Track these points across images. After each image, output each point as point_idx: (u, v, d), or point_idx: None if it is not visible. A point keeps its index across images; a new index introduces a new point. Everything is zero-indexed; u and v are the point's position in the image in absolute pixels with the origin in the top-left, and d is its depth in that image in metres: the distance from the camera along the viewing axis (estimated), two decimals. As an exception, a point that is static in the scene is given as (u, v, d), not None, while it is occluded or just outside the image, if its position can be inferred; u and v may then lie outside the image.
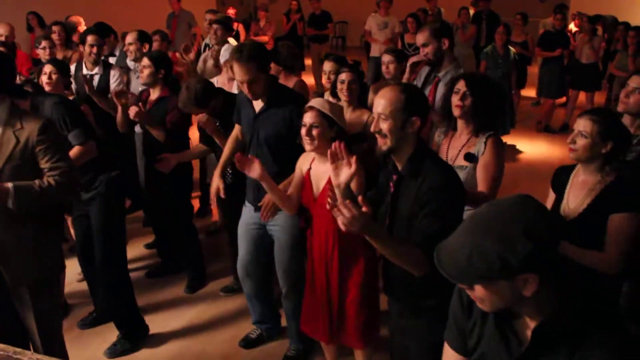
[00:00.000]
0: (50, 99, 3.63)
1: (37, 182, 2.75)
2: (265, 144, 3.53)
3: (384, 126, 2.43)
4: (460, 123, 3.22)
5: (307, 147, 3.10)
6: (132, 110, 4.18)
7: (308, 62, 11.97)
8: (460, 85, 3.14)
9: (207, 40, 7.23)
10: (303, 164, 3.32)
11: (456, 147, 3.21)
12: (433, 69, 4.08)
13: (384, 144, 2.46)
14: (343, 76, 3.94)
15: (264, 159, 3.43)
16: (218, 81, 5.20)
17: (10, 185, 2.67)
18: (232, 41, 6.50)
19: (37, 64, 7.42)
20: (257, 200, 3.61)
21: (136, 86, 5.29)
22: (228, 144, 3.94)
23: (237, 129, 3.90)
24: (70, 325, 4.30)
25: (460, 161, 3.14)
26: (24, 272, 2.96)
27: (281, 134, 3.48)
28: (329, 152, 2.48)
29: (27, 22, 9.83)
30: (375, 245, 2.29)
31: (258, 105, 3.57)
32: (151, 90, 4.58)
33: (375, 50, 9.56)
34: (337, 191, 2.50)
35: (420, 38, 3.99)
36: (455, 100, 3.14)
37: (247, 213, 3.78)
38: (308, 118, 3.08)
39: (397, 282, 2.64)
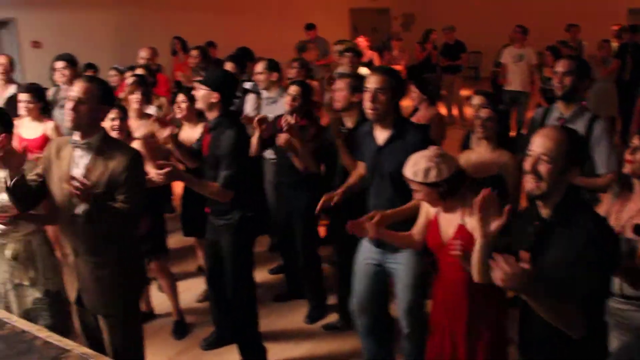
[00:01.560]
0: (234, 134, 3.65)
1: (111, 204, 2.90)
2: (389, 177, 3.41)
3: (543, 169, 2.27)
4: (637, 184, 2.82)
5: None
6: (282, 137, 4.20)
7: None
8: (637, 141, 2.76)
9: (338, 70, 7.30)
10: (430, 206, 3.21)
11: (628, 213, 2.80)
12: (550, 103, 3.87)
13: (537, 187, 2.29)
14: (481, 112, 3.80)
15: (387, 193, 3.35)
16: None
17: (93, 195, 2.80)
18: (365, 70, 6.52)
19: (179, 86, 7.83)
20: (376, 240, 3.53)
21: (267, 113, 5.37)
22: (352, 178, 3.89)
23: (360, 166, 3.84)
24: (190, 344, 4.43)
25: (628, 232, 2.74)
26: (99, 303, 3.08)
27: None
28: (475, 201, 2.38)
29: (172, 46, 10.40)
30: (530, 302, 2.15)
31: (381, 137, 3.49)
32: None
33: (510, 84, 9.27)
34: (481, 241, 2.41)
35: (563, 65, 3.82)
36: (627, 155, 2.77)
37: (366, 249, 3.69)
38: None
39: (538, 342, 2.43)
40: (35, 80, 8.22)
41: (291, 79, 5.47)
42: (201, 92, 3.70)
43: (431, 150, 2.96)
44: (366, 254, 3.66)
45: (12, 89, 6.19)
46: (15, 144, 4.76)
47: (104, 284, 3.02)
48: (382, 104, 3.32)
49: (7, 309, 3.35)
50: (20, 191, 2.91)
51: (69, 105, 2.88)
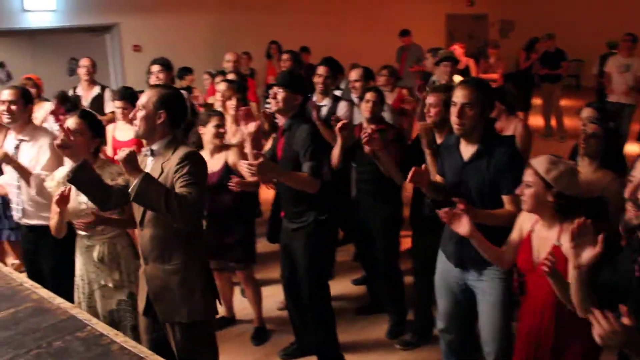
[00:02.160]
0: (308, 127, 3.70)
1: (167, 187, 2.81)
2: (473, 195, 3.23)
3: None
4: None
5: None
6: (367, 148, 4.13)
7: (537, 101, 11.41)
8: None
9: (434, 77, 7.13)
10: (524, 222, 3.02)
11: None
12: None
13: (635, 217, 2.11)
14: (587, 127, 3.55)
15: None
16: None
17: (143, 173, 2.73)
18: (458, 78, 6.33)
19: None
20: (458, 258, 3.36)
21: (357, 120, 5.31)
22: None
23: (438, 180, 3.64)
24: (269, 351, 4.41)
25: None
26: (171, 311, 3.05)
27: (493, 184, 3.21)
28: (571, 229, 2.22)
29: (268, 50, 10.51)
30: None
31: (467, 152, 3.31)
32: (365, 125, 4.54)
33: (613, 96, 8.78)
34: (575, 273, 2.25)
35: None
36: None
37: (445, 266, 3.52)
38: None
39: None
40: (134, 83, 8.55)
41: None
42: (282, 94, 3.70)
43: (569, 161, 2.85)
44: (447, 271, 3.51)
45: (96, 90, 6.44)
46: (108, 147, 4.93)
47: (173, 291, 3.01)
48: (470, 119, 3.16)
49: (92, 308, 3.43)
50: (82, 181, 2.91)
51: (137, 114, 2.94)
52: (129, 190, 2.69)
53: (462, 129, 3.19)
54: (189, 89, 7.51)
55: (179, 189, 2.79)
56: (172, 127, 2.98)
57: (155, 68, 5.81)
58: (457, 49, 10.17)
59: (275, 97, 3.74)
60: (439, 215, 2.99)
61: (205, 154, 4.21)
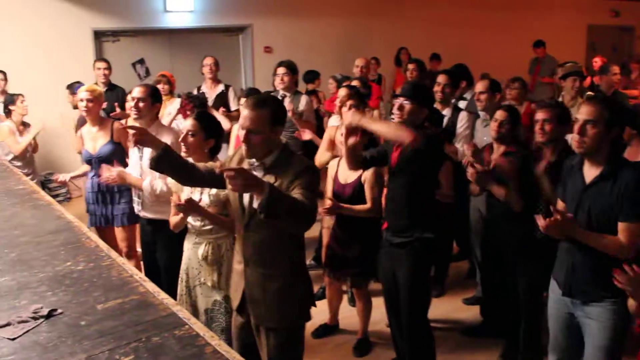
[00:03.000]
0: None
1: (296, 193, 2.72)
2: (596, 221, 2.99)
3: None
4: None
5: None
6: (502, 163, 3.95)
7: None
8: None
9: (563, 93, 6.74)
10: None
11: None
12: None
13: None
14: None
15: None
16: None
17: (267, 182, 2.59)
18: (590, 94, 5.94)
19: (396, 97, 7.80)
20: (567, 286, 3.14)
21: (482, 135, 5.10)
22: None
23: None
24: (370, 365, 4.32)
25: None
26: (265, 315, 3.01)
27: (615, 211, 2.94)
28: None
29: (397, 56, 10.42)
30: None
31: (589, 174, 3.05)
32: (495, 145, 4.33)
33: None
34: None
35: None
36: None
37: (556, 293, 3.28)
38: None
39: None
40: (263, 83, 8.78)
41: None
42: (407, 107, 3.60)
43: None
44: (557, 298, 3.29)
45: (220, 87, 6.65)
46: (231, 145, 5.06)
47: (272, 296, 2.98)
48: (591, 138, 2.94)
49: (194, 304, 3.51)
50: (164, 166, 2.93)
51: (242, 135, 2.80)
52: (256, 207, 2.58)
53: (581, 148, 2.98)
54: (314, 92, 7.59)
55: (300, 193, 2.72)
56: (278, 134, 2.90)
57: (281, 70, 5.89)
58: (597, 62, 9.63)
59: (400, 109, 3.64)
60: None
61: (342, 163, 4.20)
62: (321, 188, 3.42)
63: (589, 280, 3.04)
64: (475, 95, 5.36)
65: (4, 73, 7.06)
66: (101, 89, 4.74)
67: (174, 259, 3.78)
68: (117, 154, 4.54)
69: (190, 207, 3.34)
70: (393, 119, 3.91)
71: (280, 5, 9.90)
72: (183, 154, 3.52)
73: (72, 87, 6.47)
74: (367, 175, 4.16)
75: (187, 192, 3.52)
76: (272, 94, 6.28)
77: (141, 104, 4.00)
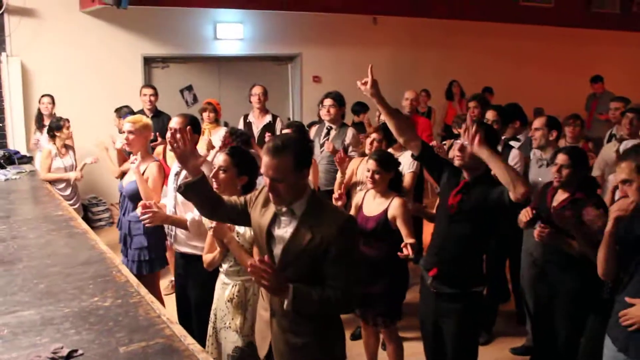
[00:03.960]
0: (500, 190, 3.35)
1: (317, 290, 2.57)
2: None
3: None
4: None
5: None
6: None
7: None
8: None
9: (613, 131, 6.39)
10: None
11: None
12: None
13: None
14: None
15: None
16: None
17: (291, 286, 2.52)
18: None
19: (448, 130, 7.52)
20: (624, 344, 2.88)
21: (536, 176, 4.81)
22: None
23: None
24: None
25: None
26: None
27: None
28: None
29: (448, 89, 10.21)
30: None
31: None
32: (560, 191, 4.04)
33: None
34: None
35: None
36: None
37: (611, 348, 3.02)
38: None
39: None
40: (311, 113, 8.67)
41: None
42: (470, 149, 3.30)
43: None
44: (612, 354, 3.02)
45: (267, 118, 6.54)
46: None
47: (295, 351, 2.78)
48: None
49: (219, 345, 3.34)
50: (193, 193, 2.82)
51: (268, 184, 2.65)
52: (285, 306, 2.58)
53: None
54: (361, 125, 7.42)
55: (332, 278, 2.59)
56: (304, 178, 2.69)
57: (328, 102, 5.76)
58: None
59: (461, 151, 3.38)
60: None
61: (369, 195, 4.03)
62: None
63: None
64: (530, 133, 5.08)
65: (52, 97, 7.13)
66: (147, 119, 4.57)
67: (205, 296, 3.63)
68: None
69: (218, 230, 3.20)
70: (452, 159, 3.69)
71: (330, 35, 9.82)
72: (215, 190, 3.39)
73: (120, 112, 6.47)
74: (396, 210, 3.91)
75: None
76: (318, 125, 6.16)
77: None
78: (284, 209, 2.68)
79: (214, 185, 3.36)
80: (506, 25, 10.79)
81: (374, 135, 4.83)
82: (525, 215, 3.83)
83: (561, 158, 3.83)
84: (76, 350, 2.51)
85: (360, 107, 7.78)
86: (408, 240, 3.74)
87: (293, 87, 9.97)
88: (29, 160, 6.72)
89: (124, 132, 4.48)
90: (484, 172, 3.41)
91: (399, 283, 4.17)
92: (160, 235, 4.48)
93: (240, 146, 4.19)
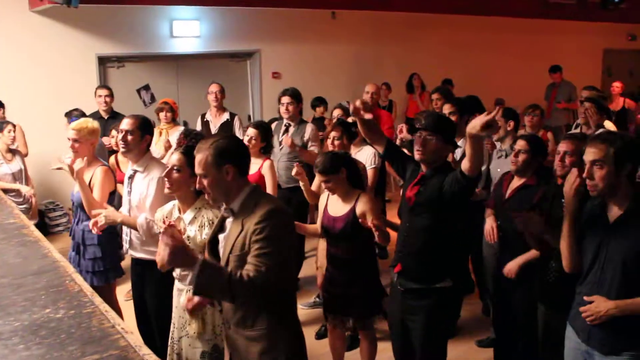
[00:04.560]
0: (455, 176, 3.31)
1: (227, 270, 2.51)
2: (621, 265, 2.76)
3: None
4: None
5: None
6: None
7: None
8: None
9: (578, 121, 6.44)
10: None
11: None
12: None
13: None
14: None
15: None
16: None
17: (200, 257, 2.44)
18: (609, 125, 5.63)
19: (409, 123, 7.49)
20: (586, 334, 2.91)
21: (496, 167, 4.85)
22: None
23: None
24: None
25: None
26: None
27: None
28: None
29: (409, 82, 10.20)
30: None
31: (611, 214, 2.84)
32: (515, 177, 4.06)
33: None
34: None
35: None
36: None
37: (572, 338, 3.03)
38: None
39: None
40: (271, 109, 8.58)
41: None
42: (432, 144, 3.31)
43: None
44: (574, 345, 3.04)
45: (225, 116, 6.48)
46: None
47: (250, 345, 2.72)
48: (600, 179, 2.74)
49: (179, 355, 3.25)
50: (206, 287, 2.62)
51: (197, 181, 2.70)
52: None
53: (594, 189, 2.78)
54: (321, 119, 7.37)
55: (250, 259, 2.52)
56: (244, 176, 2.72)
57: (285, 99, 5.70)
58: (616, 87, 9.41)
59: (423, 145, 3.33)
60: None
61: (333, 196, 3.95)
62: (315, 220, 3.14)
63: (609, 331, 2.81)
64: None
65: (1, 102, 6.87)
66: (93, 124, 4.36)
67: (162, 302, 3.54)
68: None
69: (168, 233, 3.10)
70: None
71: (289, 30, 9.73)
72: (166, 190, 3.30)
73: (70, 115, 6.28)
74: (364, 205, 3.80)
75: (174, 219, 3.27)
76: (277, 121, 6.09)
77: (129, 137, 3.77)
78: (225, 209, 2.69)
79: (166, 185, 3.25)
80: (465, 17, 10.82)
81: (333, 134, 4.75)
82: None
83: (520, 144, 3.91)
84: (24, 367, 2.40)
85: (318, 102, 7.73)
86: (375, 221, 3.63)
87: (252, 84, 9.85)
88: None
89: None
90: (442, 164, 3.39)
91: (374, 281, 4.07)
92: (114, 245, 4.35)
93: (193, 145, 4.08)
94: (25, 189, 5.71)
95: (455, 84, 10.01)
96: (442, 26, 10.98)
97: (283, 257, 2.59)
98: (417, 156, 3.41)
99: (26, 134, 6.60)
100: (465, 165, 3.14)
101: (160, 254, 3.23)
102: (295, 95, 5.73)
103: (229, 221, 2.72)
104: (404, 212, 3.57)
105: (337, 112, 6.02)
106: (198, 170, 2.65)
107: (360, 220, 3.72)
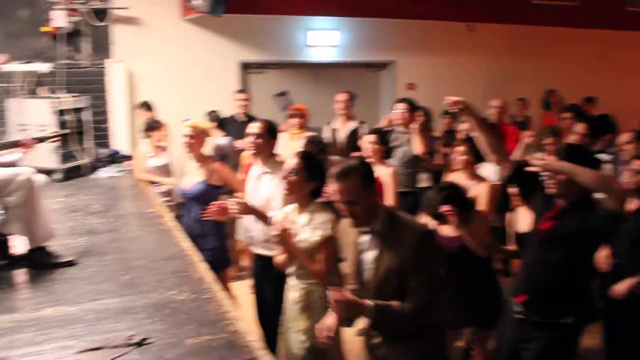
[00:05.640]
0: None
1: (396, 307, 2.61)
2: None
3: None
4: None
5: None
6: None
7: None
8: None
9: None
10: None
11: None
12: None
13: None
14: None
15: None
16: None
17: (372, 304, 2.58)
18: None
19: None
20: None
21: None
22: None
23: None
24: None
25: None
26: None
27: None
28: None
29: (546, 99, 9.90)
30: None
31: None
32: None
33: None
34: None
35: None
36: None
37: None
38: None
39: None
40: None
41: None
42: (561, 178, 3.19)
43: None
44: None
45: (352, 124, 6.59)
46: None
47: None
48: None
49: (287, 347, 3.43)
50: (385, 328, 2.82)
51: (345, 209, 2.74)
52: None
53: None
54: (450, 132, 7.34)
55: (412, 289, 2.63)
56: (374, 196, 2.82)
57: (400, 106, 5.82)
58: None
59: (552, 178, 3.20)
60: None
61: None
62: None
63: None
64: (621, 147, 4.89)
65: (148, 104, 7.49)
66: (205, 125, 4.78)
67: (279, 297, 3.75)
68: (208, 196, 4.54)
69: (282, 237, 3.29)
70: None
71: (425, 42, 9.74)
72: (283, 192, 3.50)
73: (210, 116, 6.76)
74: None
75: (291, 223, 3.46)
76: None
77: (258, 140, 4.03)
78: (366, 230, 2.78)
79: (284, 188, 3.46)
80: (612, 32, 10.33)
81: (459, 149, 4.69)
82: None
83: (637, 163, 3.73)
84: (147, 339, 2.69)
85: (447, 114, 7.68)
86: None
87: (385, 94, 9.99)
88: (128, 159, 7.15)
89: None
90: (581, 198, 3.20)
91: (494, 296, 4.06)
92: (224, 236, 4.65)
93: (313, 152, 4.28)
94: (167, 181, 6.20)
95: (598, 103, 9.61)
96: (583, 41, 10.55)
97: (437, 280, 2.72)
98: (551, 191, 3.28)
99: (172, 133, 7.14)
100: (609, 202, 3.04)
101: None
102: (411, 104, 5.86)
103: (369, 240, 2.80)
104: (533, 242, 3.45)
105: (464, 126, 6.00)
106: (347, 197, 2.69)
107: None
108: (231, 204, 3.85)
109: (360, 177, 2.69)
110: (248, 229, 4.19)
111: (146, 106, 7.43)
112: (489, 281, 4.05)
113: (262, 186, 4.07)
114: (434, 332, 2.86)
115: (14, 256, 3.97)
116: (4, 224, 4.00)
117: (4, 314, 3.03)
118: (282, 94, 9.30)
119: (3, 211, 4.11)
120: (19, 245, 3.97)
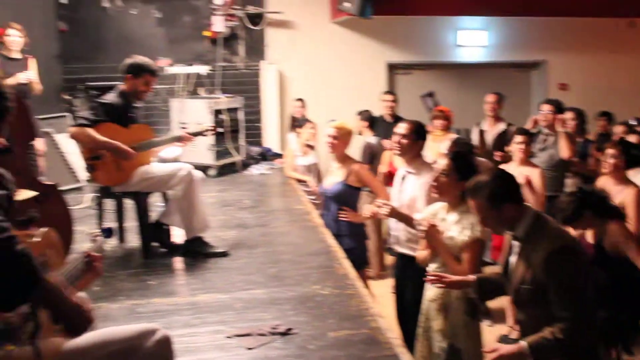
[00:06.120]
0: None
1: (547, 334, 2.51)
2: None
3: None
4: None
5: None
6: None
7: None
8: None
9: None
10: None
11: None
12: None
13: None
14: None
15: None
16: None
17: (526, 345, 2.52)
18: None
19: None
20: None
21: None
22: None
23: None
24: None
25: None
26: None
27: None
28: None
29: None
30: None
31: None
32: None
33: None
34: None
35: None
36: None
37: None
38: None
39: None
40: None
41: None
42: None
43: None
44: None
45: (501, 126, 6.44)
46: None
47: None
48: None
49: (429, 342, 3.42)
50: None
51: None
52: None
53: None
54: (605, 135, 6.97)
55: (556, 319, 2.54)
56: (521, 203, 2.75)
57: (546, 107, 5.60)
58: None
59: None
60: None
61: None
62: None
63: None
64: None
65: (302, 100, 7.77)
66: (350, 127, 4.82)
67: (419, 296, 3.75)
68: (347, 197, 4.58)
69: (430, 232, 3.29)
70: None
71: (579, 41, 9.24)
72: (433, 195, 3.50)
73: (362, 115, 6.87)
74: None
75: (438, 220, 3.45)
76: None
77: (404, 141, 4.05)
78: (511, 235, 2.78)
79: (434, 189, 3.46)
80: None
81: (609, 151, 4.44)
82: None
83: None
84: (291, 329, 2.83)
85: (603, 116, 7.25)
86: None
87: (535, 95, 9.63)
88: (279, 156, 7.46)
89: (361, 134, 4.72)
90: None
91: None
92: (362, 237, 4.69)
93: (461, 151, 4.25)
94: (310, 182, 6.38)
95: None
96: None
97: (582, 295, 2.59)
98: None
99: (320, 133, 7.35)
100: None
101: (422, 246, 3.44)
102: (557, 105, 5.63)
103: (516, 244, 2.78)
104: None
105: (619, 129, 5.69)
106: (479, 214, 2.78)
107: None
108: (378, 205, 3.90)
109: (487, 197, 2.68)
110: (392, 228, 4.23)
111: (302, 102, 7.74)
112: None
113: (407, 187, 4.09)
114: (590, 349, 2.74)
115: (173, 245, 4.32)
116: (165, 215, 4.37)
117: (165, 297, 3.32)
118: (429, 94, 9.25)
119: (164, 203, 4.49)
120: (178, 235, 4.30)
